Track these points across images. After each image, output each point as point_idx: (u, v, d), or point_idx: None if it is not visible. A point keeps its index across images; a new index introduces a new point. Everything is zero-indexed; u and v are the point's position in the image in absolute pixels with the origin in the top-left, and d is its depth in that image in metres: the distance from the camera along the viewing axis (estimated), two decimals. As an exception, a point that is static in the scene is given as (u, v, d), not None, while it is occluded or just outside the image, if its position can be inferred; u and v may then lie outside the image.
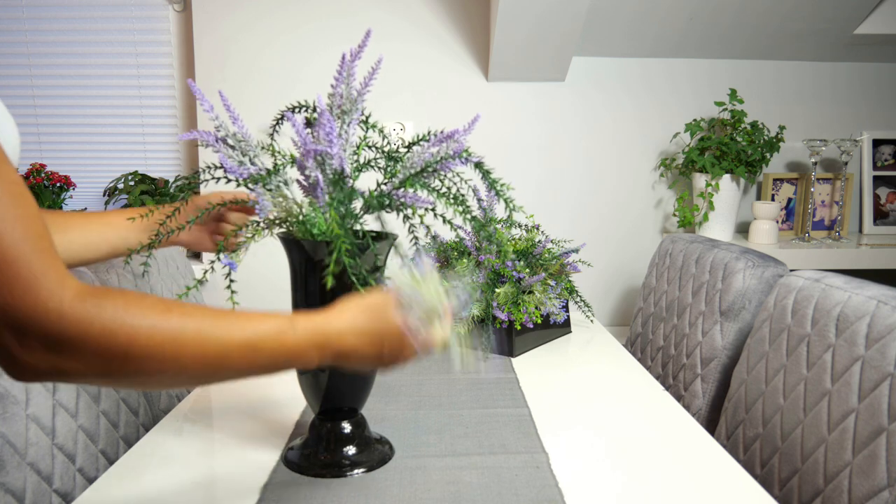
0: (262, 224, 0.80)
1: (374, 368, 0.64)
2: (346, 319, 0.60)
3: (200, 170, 0.83)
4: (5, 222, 0.46)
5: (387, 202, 0.76)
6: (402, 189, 0.75)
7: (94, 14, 1.83)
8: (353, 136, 0.78)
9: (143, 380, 0.52)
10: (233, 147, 0.79)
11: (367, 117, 0.83)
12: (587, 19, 1.66)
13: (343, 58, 0.76)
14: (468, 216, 0.76)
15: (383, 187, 0.77)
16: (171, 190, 1.88)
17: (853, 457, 0.79)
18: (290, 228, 0.79)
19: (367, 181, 0.80)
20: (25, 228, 0.47)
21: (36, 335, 0.47)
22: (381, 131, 0.84)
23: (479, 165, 0.76)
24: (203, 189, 1.66)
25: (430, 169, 0.75)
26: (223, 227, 0.91)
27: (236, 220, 0.91)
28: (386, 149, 0.82)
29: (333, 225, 0.69)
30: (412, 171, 0.76)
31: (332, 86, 0.77)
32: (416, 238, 0.78)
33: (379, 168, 0.82)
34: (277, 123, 0.83)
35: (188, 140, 1.81)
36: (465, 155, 0.75)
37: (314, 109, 0.80)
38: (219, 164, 0.78)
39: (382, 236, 0.79)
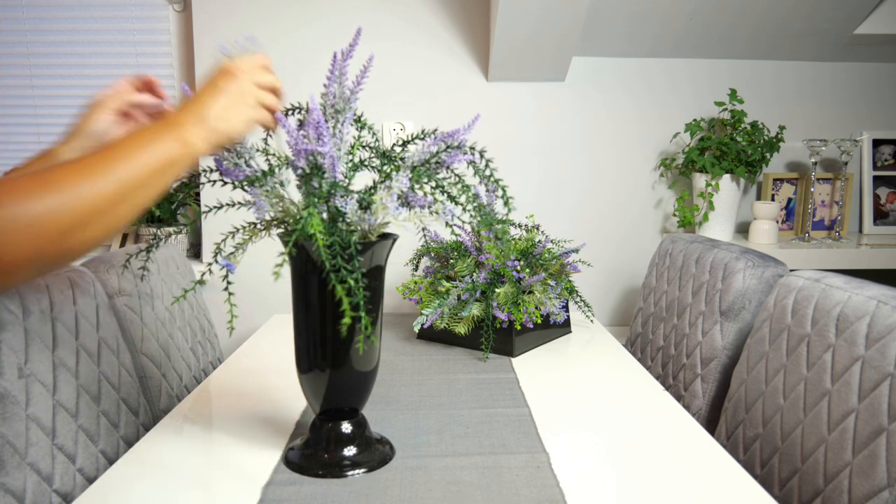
0: (259, 225, 0.80)
1: (214, 94, 0.67)
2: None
3: (198, 171, 0.83)
4: None
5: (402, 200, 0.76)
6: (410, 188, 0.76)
7: (94, 14, 1.83)
8: (347, 136, 0.78)
9: (71, 246, 0.53)
10: (228, 150, 0.79)
11: (359, 117, 0.83)
12: (587, 19, 1.66)
13: (334, 57, 0.76)
14: (476, 207, 0.76)
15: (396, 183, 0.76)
16: (171, 189, 1.87)
17: (853, 457, 0.79)
18: (288, 228, 0.79)
19: (366, 181, 0.80)
20: None
21: None
22: (370, 128, 0.84)
23: (482, 154, 0.77)
24: (202, 191, 1.66)
25: (433, 161, 0.76)
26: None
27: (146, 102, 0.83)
28: (381, 148, 0.82)
29: (315, 222, 0.68)
30: (416, 164, 0.76)
31: (324, 85, 0.77)
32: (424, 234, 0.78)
33: (374, 168, 0.83)
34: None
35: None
36: (466, 150, 0.76)
37: (307, 110, 0.80)
38: (215, 167, 0.78)
39: (384, 237, 0.79)
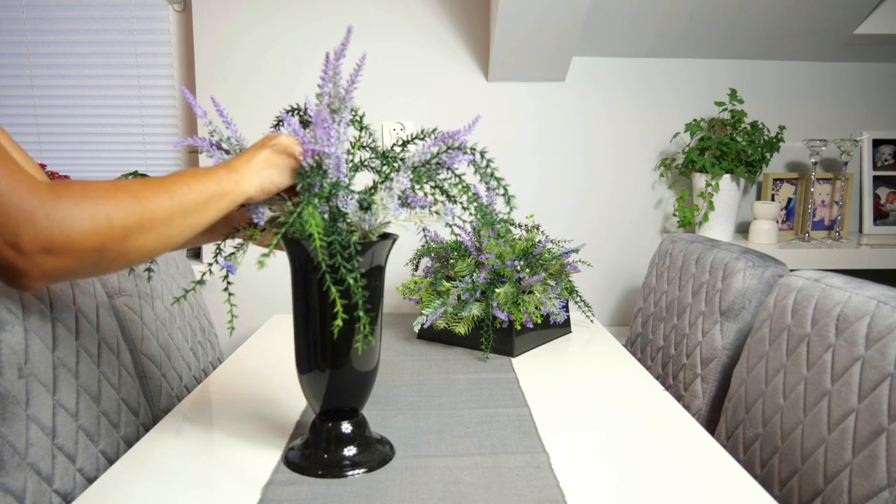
0: (259, 225, 0.80)
1: (261, 147, 0.75)
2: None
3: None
4: None
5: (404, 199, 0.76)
6: (410, 188, 0.76)
7: (94, 14, 1.83)
8: (345, 136, 0.78)
9: (130, 247, 0.62)
10: (228, 151, 0.79)
11: (360, 117, 0.83)
12: (587, 19, 1.66)
13: (327, 57, 0.76)
14: (477, 207, 0.76)
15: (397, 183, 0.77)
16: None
17: (853, 457, 0.79)
18: (290, 228, 0.79)
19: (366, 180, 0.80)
20: None
21: (30, 241, 0.55)
22: (367, 129, 0.84)
23: (482, 154, 0.77)
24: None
25: (434, 161, 0.76)
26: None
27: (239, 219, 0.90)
28: (381, 148, 0.82)
29: (313, 221, 0.69)
30: (417, 164, 0.76)
31: (319, 86, 0.77)
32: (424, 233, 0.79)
33: (373, 168, 0.83)
34: (277, 126, 0.83)
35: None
36: (467, 150, 0.76)
37: (305, 111, 0.80)
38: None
39: (383, 237, 0.79)
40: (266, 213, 0.77)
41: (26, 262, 0.56)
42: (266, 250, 0.69)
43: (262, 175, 0.73)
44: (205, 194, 0.68)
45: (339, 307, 0.68)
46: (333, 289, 0.68)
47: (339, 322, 0.68)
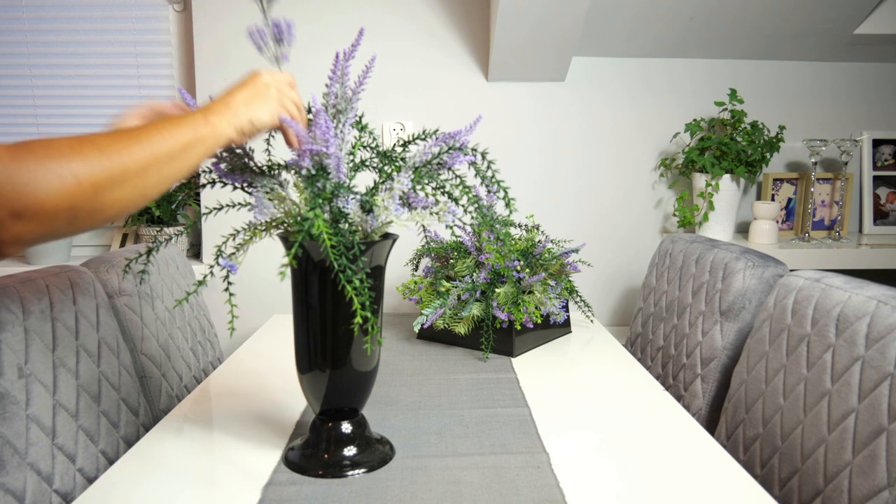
0: (259, 226, 0.80)
1: (241, 87, 0.73)
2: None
3: (200, 171, 0.83)
4: None
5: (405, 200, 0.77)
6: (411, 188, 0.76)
7: (94, 14, 1.83)
8: (348, 136, 0.78)
9: (103, 203, 0.59)
10: (228, 151, 0.79)
11: (360, 118, 0.83)
12: (587, 19, 1.66)
13: (337, 57, 0.76)
14: (478, 209, 0.76)
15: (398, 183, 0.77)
16: (170, 189, 1.87)
17: (853, 457, 0.79)
18: (289, 229, 0.79)
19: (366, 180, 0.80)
20: None
21: None
22: (370, 132, 0.84)
23: (483, 155, 0.77)
24: (203, 192, 1.66)
25: (435, 162, 0.76)
26: None
27: None
28: (382, 149, 0.82)
29: (320, 222, 0.69)
30: (418, 165, 0.76)
31: (326, 85, 0.77)
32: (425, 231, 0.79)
33: (374, 168, 0.83)
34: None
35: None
36: (468, 151, 0.76)
37: (309, 111, 0.80)
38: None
39: (383, 237, 0.79)
40: (270, 209, 0.77)
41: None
42: (269, 247, 0.69)
43: (242, 116, 0.70)
44: (180, 141, 0.65)
45: (357, 305, 0.68)
46: (349, 287, 0.68)
47: (358, 319, 0.68)
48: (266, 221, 0.80)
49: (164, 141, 0.64)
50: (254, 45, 0.77)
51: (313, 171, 0.74)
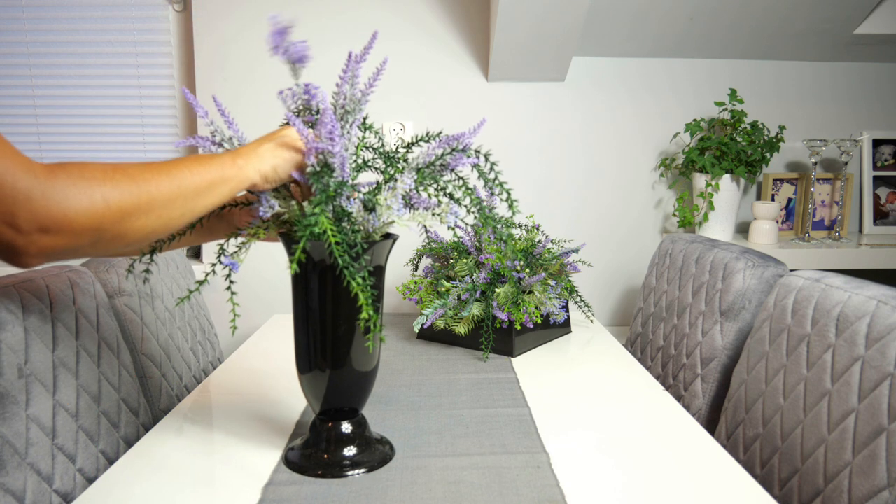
0: (263, 224, 0.80)
1: (265, 139, 0.76)
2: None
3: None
4: None
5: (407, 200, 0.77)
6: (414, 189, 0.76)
7: (94, 14, 1.83)
8: (354, 137, 0.78)
9: (128, 229, 0.62)
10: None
11: (364, 118, 0.83)
12: (587, 19, 1.66)
13: (349, 57, 0.76)
14: (480, 210, 0.76)
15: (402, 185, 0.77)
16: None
17: (853, 457, 0.79)
18: (292, 228, 0.79)
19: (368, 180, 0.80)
20: None
21: (27, 220, 0.56)
22: (375, 132, 0.85)
23: (486, 157, 0.77)
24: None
25: (438, 163, 0.76)
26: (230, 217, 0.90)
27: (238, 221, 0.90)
28: (384, 149, 0.82)
29: (324, 219, 0.69)
30: (421, 166, 0.76)
31: (336, 85, 0.78)
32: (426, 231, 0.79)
33: (377, 169, 0.83)
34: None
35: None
36: (471, 153, 0.76)
37: (317, 112, 0.81)
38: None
39: (383, 237, 0.79)
40: (274, 206, 0.77)
41: (24, 240, 0.57)
42: (270, 247, 0.69)
43: (266, 164, 0.73)
44: (207, 178, 0.68)
45: (363, 300, 0.68)
46: (354, 283, 0.68)
47: (364, 315, 0.69)
48: (268, 220, 0.80)
49: (192, 177, 0.67)
50: (283, 106, 0.79)
51: (318, 168, 0.74)
